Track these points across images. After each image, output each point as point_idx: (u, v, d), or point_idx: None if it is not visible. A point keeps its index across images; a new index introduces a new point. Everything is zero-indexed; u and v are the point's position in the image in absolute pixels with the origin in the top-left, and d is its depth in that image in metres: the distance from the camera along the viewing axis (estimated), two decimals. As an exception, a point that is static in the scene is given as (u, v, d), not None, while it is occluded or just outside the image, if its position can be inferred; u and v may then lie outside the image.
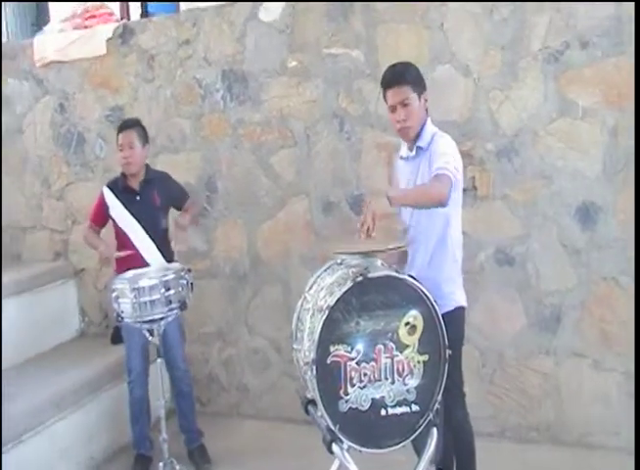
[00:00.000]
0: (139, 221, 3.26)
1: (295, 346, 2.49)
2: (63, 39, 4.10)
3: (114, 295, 2.93)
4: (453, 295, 2.60)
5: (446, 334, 2.34)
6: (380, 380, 2.31)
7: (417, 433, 2.36)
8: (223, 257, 3.95)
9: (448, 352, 2.34)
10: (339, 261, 2.55)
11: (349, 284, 2.27)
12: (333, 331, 2.26)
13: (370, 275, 2.29)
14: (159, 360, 3.07)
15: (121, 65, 4.03)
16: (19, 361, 3.81)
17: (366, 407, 2.30)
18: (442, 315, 2.41)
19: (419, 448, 2.45)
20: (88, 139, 4.15)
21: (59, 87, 4.21)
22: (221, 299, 3.98)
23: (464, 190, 2.67)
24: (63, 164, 4.27)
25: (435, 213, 2.50)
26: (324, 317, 2.24)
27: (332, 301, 2.25)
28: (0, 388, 2.86)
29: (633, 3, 3.01)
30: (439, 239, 2.57)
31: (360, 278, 2.28)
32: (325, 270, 2.57)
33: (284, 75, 3.66)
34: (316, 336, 2.24)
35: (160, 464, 3.09)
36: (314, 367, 2.24)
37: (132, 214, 3.27)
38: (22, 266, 4.34)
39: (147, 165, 3.43)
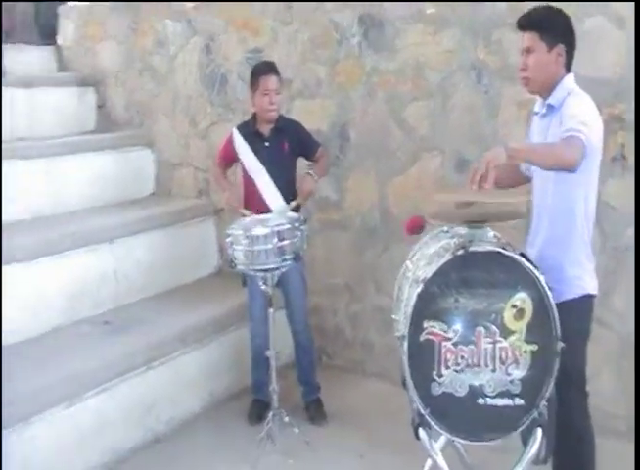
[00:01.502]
0: (266, 167, 3.29)
1: (394, 316, 2.41)
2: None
3: (228, 240, 3.01)
4: (579, 280, 2.33)
5: (566, 324, 2.13)
6: (479, 366, 2.17)
7: (518, 430, 2.21)
8: (354, 208, 3.91)
9: (560, 344, 2.13)
10: (445, 229, 2.40)
11: (448, 257, 2.14)
12: (428, 306, 2.15)
13: (472, 249, 2.14)
14: (270, 310, 3.14)
15: (262, 6, 4.03)
16: (159, 291, 4.10)
17: (462, 394, 2.19)
18: (564, 302, 2.21)
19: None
20: (230, 80, 4.25)
21: (205, 27, 4.32)
22: (351, 252, 3.97)
23: (612, 159, 2.37)
24: (207, 104, 4.42)
25: (565, 182, 2.23)
26: (419, 290, 2.14)
27: (429, 273, 2.14)
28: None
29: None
30: (567, 213, 2.30)
31: (461, 251, 2.13)
32: (431, 238, 2.45)
33: (420, 22, 3.47)
34: (410, 309, 2.15)
35: (270, 414, 3.21)
36: (405, 343, 2.16)
37: (260, 160, 3.32)
38: (171, 201, 4.63)
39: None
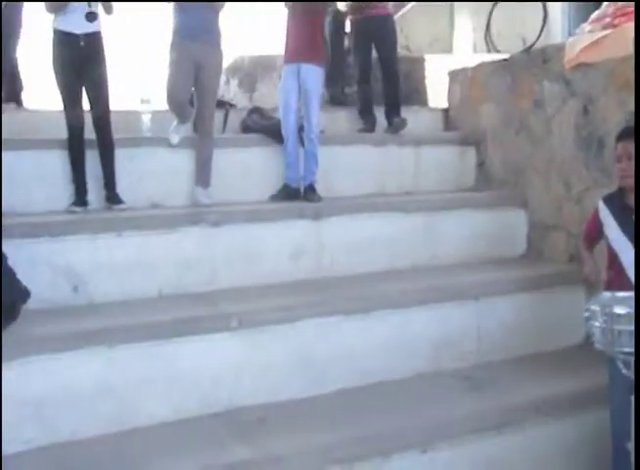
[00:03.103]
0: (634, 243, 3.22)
1: None
2: (590, 40, 4.26)
3: (586, 315, 3.03)
4: None
5: None
6: None
7: None
8: None
9: None
10: None
11: None
12: None
13: None
14: (631, 398, 3.04)
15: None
16: (519, 354, 4.25)
17: None
18: None
19: None
20: (608, 144, 4.23)
21: (584, 89, 4.40)
22: None
23: None
24: (583, 167, 4.46)
25: None
26: None
27: None
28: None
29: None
30: None
31: None
32: None
33: None
34: None
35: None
36: None
37: (626, 236, 3.25)
38: (540, 264, 4.78)
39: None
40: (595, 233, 3.50)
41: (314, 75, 4.93)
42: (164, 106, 4.85)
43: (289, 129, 4.91)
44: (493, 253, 4.88)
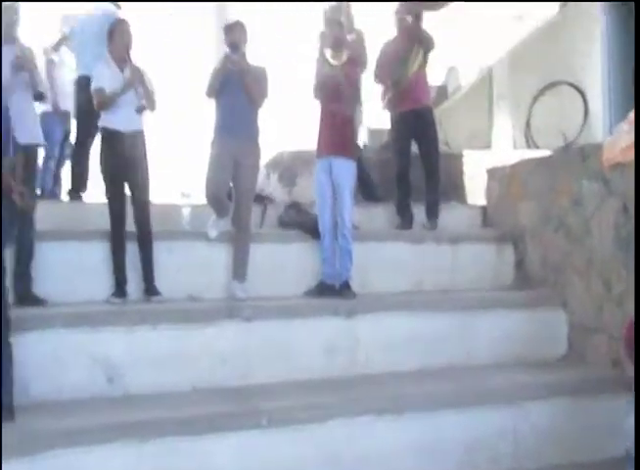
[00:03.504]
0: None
1: None
2: (628, 140, 4.34)
3: (626, 428, 3.01)
4: None
5: None
6: None
7: None
8: None
9: None
10: None
11: None
12: None
13: None
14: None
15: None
16: (556, 462, 4.14)
17: None
18: None
19: None
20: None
21: (623, 188, 4.45)
22: None
23: None
24: (622, 268, 4.46)
25: None
26: None
27: None
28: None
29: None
30: None
31: None
32: None
33: None
34: None
35: None
36: None
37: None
38: (581, 368, 4.71)
39: None
40: (632, 341, 3.46)
41: (345, 170, 5.03)
42: (204, 200, 5.03)
43: (325, 225, 5.03)
44: (532, 354, 4.83)
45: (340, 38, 5.16)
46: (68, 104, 6.25)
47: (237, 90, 4.89)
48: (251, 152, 5.01)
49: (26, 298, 4.42)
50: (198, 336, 4.20)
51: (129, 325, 4.09)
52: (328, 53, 5.04)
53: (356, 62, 5.30)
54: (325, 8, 6.26)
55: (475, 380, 4.39)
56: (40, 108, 5.98)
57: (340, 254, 4.95)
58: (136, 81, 4.74)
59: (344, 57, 5.01)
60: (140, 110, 4.75)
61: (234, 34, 4.98)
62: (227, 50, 4.96)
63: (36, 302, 4.42)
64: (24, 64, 4.45)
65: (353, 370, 4.44)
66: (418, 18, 5.93)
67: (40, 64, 5.35)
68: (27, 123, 4.59)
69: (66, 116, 6.29)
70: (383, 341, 4.55)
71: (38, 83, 4.67)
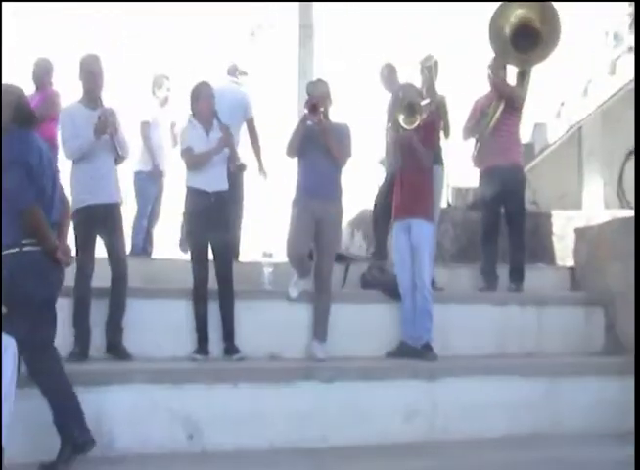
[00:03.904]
0: None
1: None
2: None
3: None
4: None
5: None
6: None
7: None
8: None
9: None
10: None
11: None
12: None
13: None
14: None
15: None
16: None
17: None
18: None
19: None
20: None
21: None
22: None
23: None
24: None
25: None
26: None
27: None
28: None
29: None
30: None
31: None
32: None
33: None
34: None
35: None
36: None
37: None
38: None
39: None
40: None
41: (423, 231, 5.03)
42: (285, 259, 5.15)
43: (404, 286, 5.05)
44: (623, 424, 4.62)
45: (414, 103, 5.14)
46: (164, 163, 6.54)
47: (318, 149, 4.98)
48: (333, 212, 5.09)
49: (116, 349, 4.63)
50: (276, 395, 4.27)
51: (209, 382, 4.20)
52: (401, 118, 5.09)
53: (432, 127, 5.30)
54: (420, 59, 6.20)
55: (561, 451, 4.25)
56: (135, 166, 6.39)
57: (419, 315, 4.95)
58: (227, 142, 4.94)
59: (418, 122, 5.04)
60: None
61: (315, 92, 5.09)
62: (307, 110, 5.02)
63: (124, 355, 4.61)
64: (105, 128, 4.65)
65: (432, 435, 4.39)
66: (504, 72, 5.91)
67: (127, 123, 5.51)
68: (107, 184, 4.77)
69: (159, 175, 6.57)
70: (463, 406, 4.49)
71: (120, 146, 4.82)
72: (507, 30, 5.70)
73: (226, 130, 4.98)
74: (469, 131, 6.03)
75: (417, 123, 4.99)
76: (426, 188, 5.16)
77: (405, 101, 5.13)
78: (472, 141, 6.06)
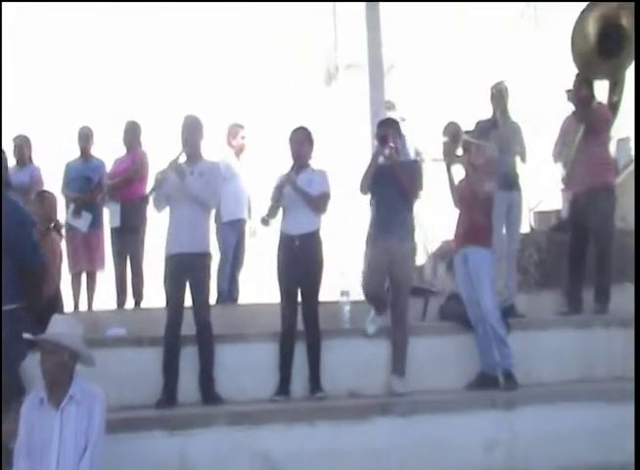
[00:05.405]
0: None
1: None
2: None
3: None
4: None
5: None
6: None
7: None
8: None
9: None
10: None
11: None
12: None
13: None
14: None
15: None
16: None
17: None
18: None
19: None
20: None
21: None
22: None
23: None
24: None
25: None
26: None
27: None
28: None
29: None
30: None
31: None
32: None
33: None
34: None
35: None
36: None
37: None
38: None
39: None
40: None
41: (479, 257, 5.08)
42: (362, 296, 5.32)
43: (473, 316, 5.12)
44: None
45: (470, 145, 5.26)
46: (243, 212, 6.86)
47: (390, 185, 5.12)
48: (405, 248, 5.21)
49: (210, 398, 4.88)
50: (353, 433, 4.42)
51: (288, 422, 4.40)
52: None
53: (487, 168, 5.29)
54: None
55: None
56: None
57: (494, 343, 5.00)
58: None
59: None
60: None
61: (385, 128, 5.26)
62: (377, 144, 5.20)
63: (218, 402, 4.86)
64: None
65: (513, 465, 4.42)
66: (587, 91, 5.81)
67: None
68: (182, 233, 5.01)
69: (239, 222, 6.89)
70: (545, 435, 4.49)
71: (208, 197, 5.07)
72: (591, 39, 5.50)
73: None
74: (557, 156, 6.05)
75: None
76: (478, 213, 5.19)
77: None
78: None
